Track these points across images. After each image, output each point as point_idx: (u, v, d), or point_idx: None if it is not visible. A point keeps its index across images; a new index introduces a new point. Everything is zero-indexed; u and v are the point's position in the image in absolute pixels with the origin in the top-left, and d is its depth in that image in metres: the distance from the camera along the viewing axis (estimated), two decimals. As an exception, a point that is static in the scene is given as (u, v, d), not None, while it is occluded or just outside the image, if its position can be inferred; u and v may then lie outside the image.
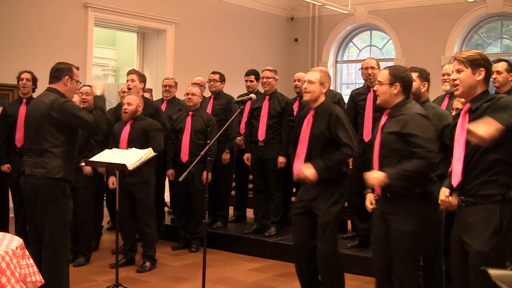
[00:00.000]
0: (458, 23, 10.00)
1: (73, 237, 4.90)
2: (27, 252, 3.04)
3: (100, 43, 11.32)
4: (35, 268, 3.06)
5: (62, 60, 4.27)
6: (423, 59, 9.33)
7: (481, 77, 3.14)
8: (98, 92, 4.39)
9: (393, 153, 3.52)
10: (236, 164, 6.70)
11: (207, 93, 6.90)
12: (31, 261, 3.06)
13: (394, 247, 3.53)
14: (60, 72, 4.14)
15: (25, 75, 5.98)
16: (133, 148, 4.84)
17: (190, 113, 6.12)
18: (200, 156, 4.19)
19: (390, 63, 10.32)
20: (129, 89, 5.76)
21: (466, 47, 10.06)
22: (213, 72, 6.80)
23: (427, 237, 3.70)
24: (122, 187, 4.95)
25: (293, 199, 6.52)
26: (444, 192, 3.28)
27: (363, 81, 5.92)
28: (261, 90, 6.42)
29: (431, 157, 3.42)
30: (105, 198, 6.63)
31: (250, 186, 6.83)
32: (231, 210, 6.99)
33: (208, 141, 4.38)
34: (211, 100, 6.68)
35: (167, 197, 7.05)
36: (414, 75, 4.03)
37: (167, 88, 6.77)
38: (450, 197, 3.28)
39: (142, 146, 4.96)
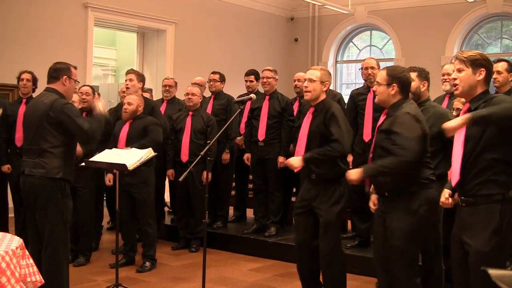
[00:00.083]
0: (458, 23, 10.00)
1: (73, 237, 4.90)
2: (27, 252, 3.04)
3: (100, 43, 11.32)
4: (35, 268, 3.06)
5: (62, 60, 4.27)
6: (423, 59, 9.33)
7: (481, 77, 3.15)
8: (100, 106, 4.34)
9: (385, 152, 3.54)
10: (236, 164, 6.70)
11: (207, 93, 6.90)
12: (31, 261, 3.06)
13: (389, 246, 3.54)
14: (58, 72, 4.13)
15: (26, 76, 5.98)
16: (133, 148, 4.85)
17: (190, 113, 6.12)
18: (200, 156, 4.19)
19: (390, 63, 10.33)
20: (127, 88, 5.75)
21: (466, 47, 10.06)
22: (213, 72, 6.80)
23: (425, 237, 3.70)
24: (122, 187, 4.95)
25: (293, 199, 6.53)
26: (445, 194, 3.29)
27: (363, 81, 5.92)
28: (261, 90, 6.42)
29: (406, 154, 3.41)
30: (105, 198, 6.64)
31: (250, 186, 6.83)
32: (231, 210, 6.99)
33: (208, 141, 4.39)
34: (211, 100, 6.68)
35: (167, 197, 7.05)
36: (413, 75, 4.03)
37: (167, 88, 6.77)
38: (450, 199, 3.29)
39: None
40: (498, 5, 9.65)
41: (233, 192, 6.97)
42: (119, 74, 12.90)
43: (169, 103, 6.74)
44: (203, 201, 4.51)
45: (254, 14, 10.98)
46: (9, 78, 7.02)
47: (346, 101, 6.05)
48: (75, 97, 5.37)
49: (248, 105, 6.29)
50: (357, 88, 6.11)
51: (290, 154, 5.79)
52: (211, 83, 6.71)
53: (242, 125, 6.54)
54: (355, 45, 11.77)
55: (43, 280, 3.12)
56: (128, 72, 5.88)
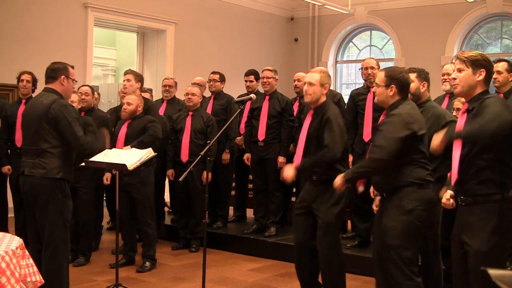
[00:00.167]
0: (458, 23, 10.00)
1: (73, 237, 4.90)
2: (27, 252, 3.04)
3: (100, 43, 11.32)
4: (35, 268, 3.06)
5: (62, 60, 4.27)
6: (423, 59, 9.34)
7: (481, 77, 3.15)
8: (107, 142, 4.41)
9: None
10: (236, 164, 6.70)
11: (207, 93, 6.90)
12: (31, 261, 3.06)
13: (385, 245, 3.54)
14: (56, 71, 4.12)
15: (26, 76, 5.98)
16: (133, 148, 4.85)
17: (190, 113, 6.12)
18: (200, 156, 4.19)
19: (390, 63, 10.35)
20: (125, 89, 5.73)
21: (466, 47, 10.06)
22: (213, 72, 6.80)
23: (422, 236, 3.70)
24: (121, 187, 4.95)
25: (293, 199, 6.53)
26: (446, 195, 3.30)
27: (363, 81, 5.92)
28: (261, 90, 6.42)
29: (380, 152, 3.49)
30: (105, 198, 6.64)
31: (250, 186, 6.83)
32: (231, 210, 6.99)
33: (208, 141, 4.39)
34: (211, 100, 6.68)
35: (167, 197, 7.05)
36: (413, 76, 4.04)
37: (167, 88, 6.77)
38: (452, 200, 3.30)
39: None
40: (498, 5, 9.65)
41: (233, 192, 6.97)
42: (119, 74, 12.89)
43: (169, 103, 6.74)
44: (203, 201, 4.51)
45: (254, 14, 10.98)
46: (9, 78, 7.01)
47: (346, 101, 6.05)
48: (74, 97, 5.36)
49: (248, 105, 6.29)
50: (357, 88, 6.12)
51: (290, 154, 5.81)
52: (211, 83, 6.71)
53: (242, 125, 6.54)
54: (355, 45, 11.77)
55: (43, 280, 3.12)
56: (126, 73, 5.86)
